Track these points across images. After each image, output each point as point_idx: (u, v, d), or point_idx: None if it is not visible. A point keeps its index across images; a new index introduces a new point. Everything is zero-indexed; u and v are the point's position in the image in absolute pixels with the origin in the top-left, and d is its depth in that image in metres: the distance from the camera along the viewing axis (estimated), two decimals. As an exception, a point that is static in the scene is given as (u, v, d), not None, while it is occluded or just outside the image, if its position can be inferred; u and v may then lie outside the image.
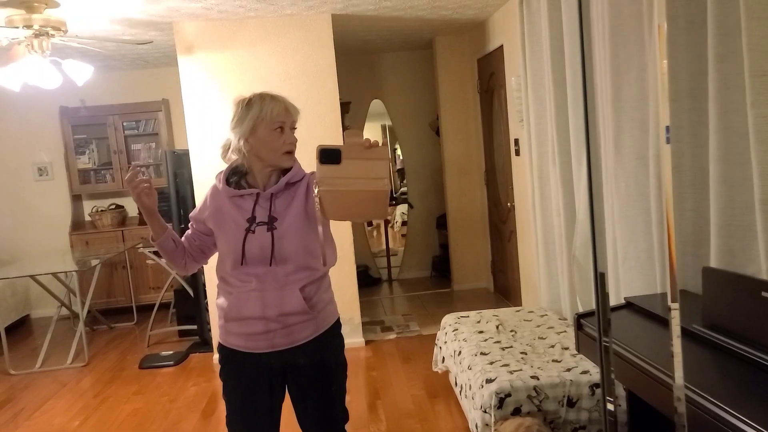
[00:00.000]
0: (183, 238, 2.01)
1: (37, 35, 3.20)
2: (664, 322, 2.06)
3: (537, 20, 3.56)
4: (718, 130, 1.92)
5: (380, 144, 1.57)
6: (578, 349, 2.31)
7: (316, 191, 1.56)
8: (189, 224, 2.03)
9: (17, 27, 3.12)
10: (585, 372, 2.66)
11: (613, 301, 2.75)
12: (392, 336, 4.89)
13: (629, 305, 2.31)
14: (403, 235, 8.11)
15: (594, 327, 2.15)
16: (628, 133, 2.57)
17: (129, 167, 1.82)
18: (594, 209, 0.97)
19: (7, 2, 3.15)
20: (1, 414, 3.86)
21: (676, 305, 0.96)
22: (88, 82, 3.90)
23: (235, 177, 1.94)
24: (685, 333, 1.85)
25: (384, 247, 7.51)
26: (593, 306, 2.96)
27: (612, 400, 1.02)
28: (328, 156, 1.55)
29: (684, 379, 1.57)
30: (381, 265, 7.12)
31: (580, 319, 2.27)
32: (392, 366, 4.26)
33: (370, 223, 8.50)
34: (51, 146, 6.10)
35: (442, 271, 6.66)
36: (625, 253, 2.68)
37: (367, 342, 4.73)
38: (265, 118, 1.83)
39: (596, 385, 2.59)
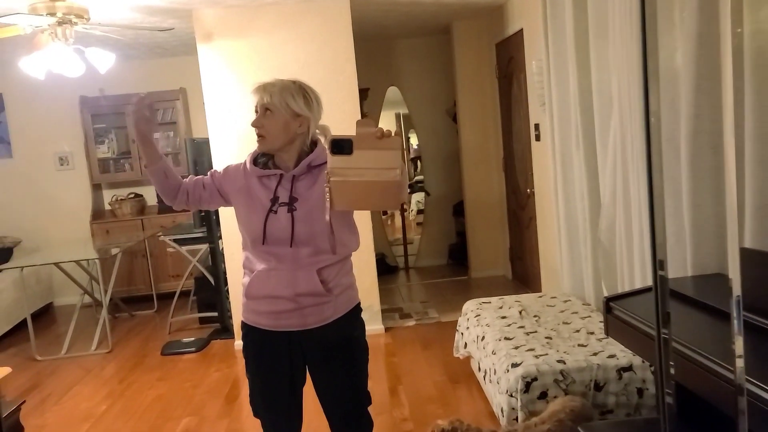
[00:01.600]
0: (192, 179, 2.02)
1: (60, 23, 3.22)
2: (696, 304, 2.04)
3: (560, 1, 3.51)
4: (755, 109, 1.89)
5: (393, 134, 1.56)
6: (607, 332, 2.29)
7: (327, 182, 1.56)
8: (210, 173, 2.03)
9: (41, 14, 3.14)
10: (612, 356, 2.65)
11: (640, 284, 2.74)
12: (411, 323, 4.89)
13: (659, 288, 2.29)
14: (418, 224, 8.10)
15: (625, 310, 2.14)
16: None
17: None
18: (654, 194, 0.95)
19: (30, -10, 3.16)
20: (30, 399, 3.92)
21: (737, 289, 0.94)
22: (107, 71, 3.91)
23: (263, 158, 1.97)
24: (723, 315, 1.83)
25: (400, 235, 7.51)
26: (619, 290, 2.94)
27: (670, 392, 1.00)
28: (340, 146, 1.55)
29: (725, 361, 1.55)
30: (397, 253, 7.12)
31: (609, 303, 2.25)
32: (412, 352, 4.26)
33: (385, 212, 8.49)
34: (72, 136, 6.14)
35: (458, 259, 6.65)
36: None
37: (387, 329, 4.74)
38: None
39: (624, 369, 2.57)
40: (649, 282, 2.59)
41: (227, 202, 2.02)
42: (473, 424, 2.30)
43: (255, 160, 1.97)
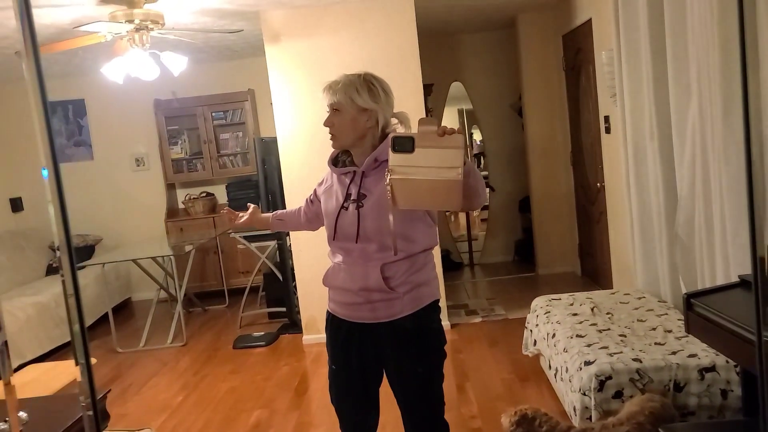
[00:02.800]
0: (304, 203, 2.25)
1: (137, 29, 3.36)
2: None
3: (632, -11, 3.40)
4: None
5: (456, 131, 1.54)
6: (688, 330, 2.20)
7: (387, 179, 1.56)
8: (314, 189, 2.20)
9: (120, 22, 3.29)
10: (692, 355, 2.54)
11: (722, 280, 2.61)
12: (477, 320, 4.85)
13: (744, 283, 2.18)
14: (483, 220, 8.01)
15: (708, 307, 2.05)
16: (739, 102, 2.41)
17: (221, 210, 2.30)
18: (753, 189, 0.90)
19: (110, -1, 3.32)
20: (113, 389, 4.12)
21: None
22: (179, 74, 4.06)
23: (344, 156, 2.01)
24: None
25: (464, 231, 7.45)
26: (699, 287, 2.81)
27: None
28: (401, 144, 1.55)
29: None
30: (462, 249, 7.07)
31: (690, 299, 2.16)
32: (479, 349, 4.23)
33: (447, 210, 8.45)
34: (147, 138, 6.41)
35: (525, 256, 6.53)
36: (735, 229, 2.53)
37: (453, 325, 4.72)
38: None
39: (706, 369, 2.46)
40: (733, 278, 2.47)
41: None
42: (553, 417, 2.26)
43: (336, 159, 2.02)
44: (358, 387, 2.06)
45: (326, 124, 1.92)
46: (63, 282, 0.86)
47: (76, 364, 1.06)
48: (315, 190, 2.17)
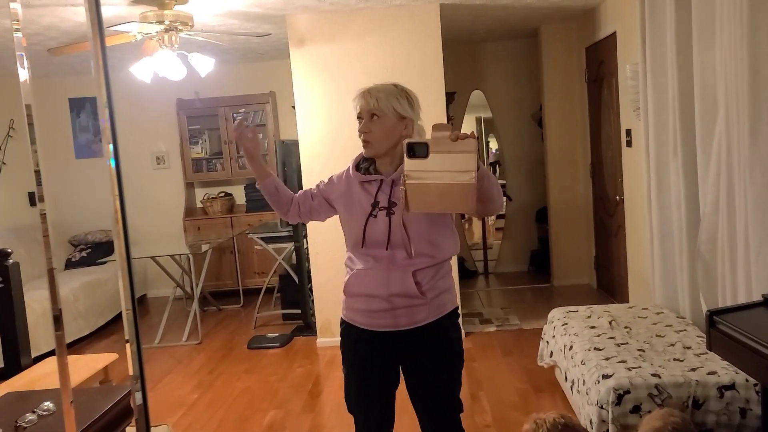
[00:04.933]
0: (301, 192, 2.13)
1: (167, 30, 3.41)
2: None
3: (660, 3, 3.39)
4: None
5: (469, 135, 1.56)
6: (710, 347, 2.19)
7: (402, 185, 1.58)
8: (316, 185, 2.12)
9: (151, 22, 3.34)
10: (712, 373, 2.52)
11: (743, 298, 2.60)
12: (492, 329, 4.85)
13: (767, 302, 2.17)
14: (498, 228, 8.00)
15: (731, 325, 2.04)
16: (767, 120, 2.41)
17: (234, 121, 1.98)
18: None
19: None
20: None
21: None
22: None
23: (365, 164, 2.02)
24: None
25: (478, 240, 7.45)
26: (720, 305, 2.80)
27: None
28: (416, 150, 1.58)
29: None
30: (476, 258, 7.07)
31: (713, 316, 2.15)
32: (493, 358, 4.22)
33: (463, 216, 8.44)
34: (168, 137, 6.47)
35: (540, 266, 6.52)
36: (758, 248, 2.52)
37: (467, 333, 4.72)
38: (355, 111, 1.94)
39: (725, 387, 2.45)
40: (755, 297, 2.46)
41: (334, 210, 2.08)
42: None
43: (357, 165, 2.02)
44: (381, 396, 2.06)
45: (364, 129, 1.90)
46: (120, 275, 0.89)
47: (131, 352, 1.10)
48: (320, 189, 2.09)
